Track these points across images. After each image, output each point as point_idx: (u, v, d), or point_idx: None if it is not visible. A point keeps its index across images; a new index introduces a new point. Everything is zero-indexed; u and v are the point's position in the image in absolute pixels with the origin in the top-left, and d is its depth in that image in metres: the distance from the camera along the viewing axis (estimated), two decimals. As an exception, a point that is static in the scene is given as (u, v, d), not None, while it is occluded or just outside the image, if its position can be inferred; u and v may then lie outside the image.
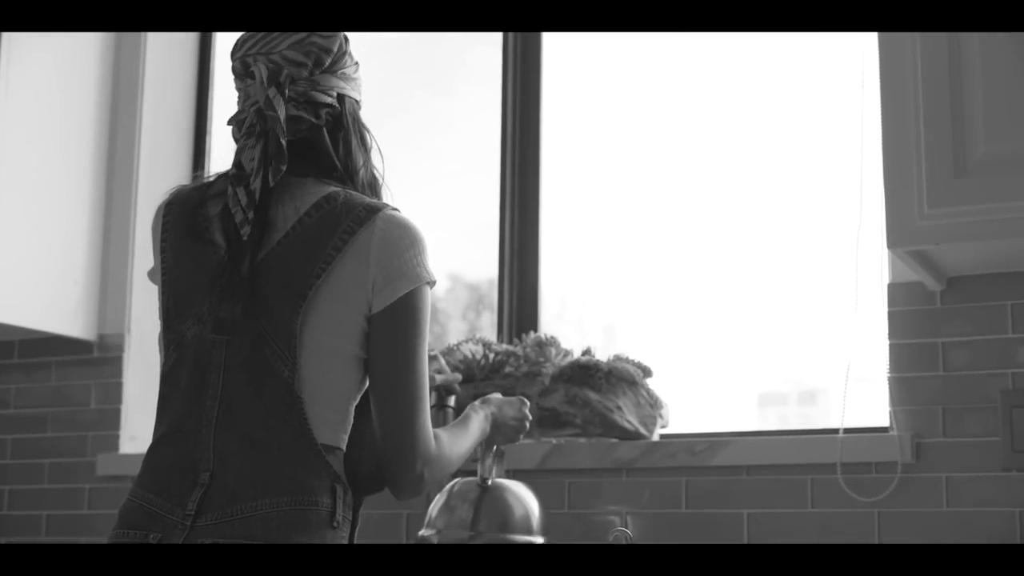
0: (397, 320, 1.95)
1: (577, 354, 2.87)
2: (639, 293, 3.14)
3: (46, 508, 3.39)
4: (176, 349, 1.99)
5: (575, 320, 3.29)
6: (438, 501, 2.51)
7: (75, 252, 3.37)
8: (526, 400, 2.39)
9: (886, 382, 2.60)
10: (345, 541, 1.93)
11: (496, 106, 3.24)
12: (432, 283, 2.01)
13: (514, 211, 3.20)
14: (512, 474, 2.84)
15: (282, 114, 1.99)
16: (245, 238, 1.94)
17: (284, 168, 1.98)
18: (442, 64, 3.43)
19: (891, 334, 2.62)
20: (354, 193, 2.01)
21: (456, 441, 2.11)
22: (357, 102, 2.09)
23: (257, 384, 1.91)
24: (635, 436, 2.77)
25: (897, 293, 2.62)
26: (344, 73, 2.07)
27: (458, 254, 3.35)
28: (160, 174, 3.47)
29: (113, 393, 3.38)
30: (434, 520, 2.48)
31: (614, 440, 2.78)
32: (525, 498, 2.49)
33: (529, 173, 3.21)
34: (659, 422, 2.83)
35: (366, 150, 2.10)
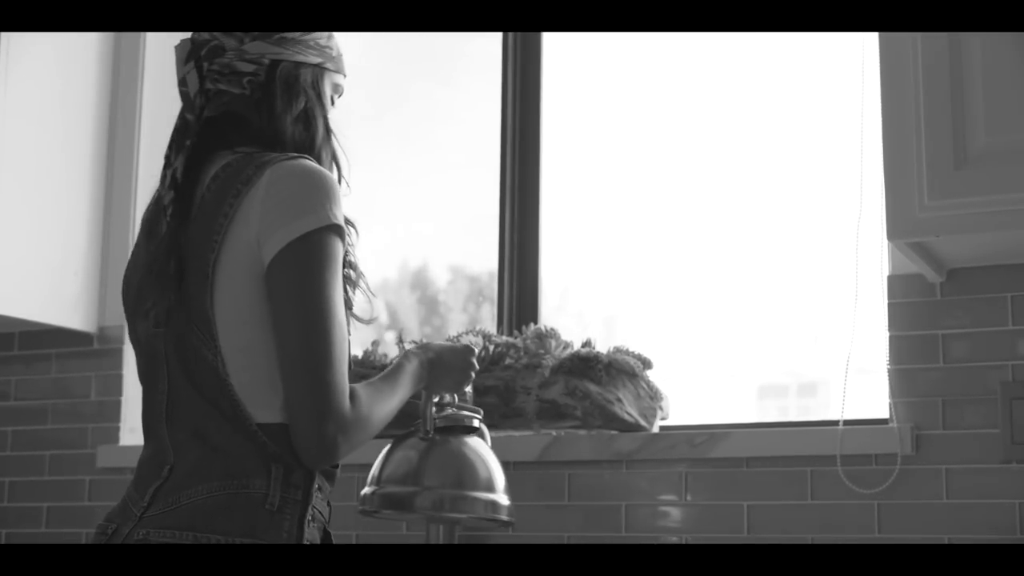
0: (286, 267, 1.86)
1: (577, 346, 2.87)
2: (639, 285, 3.14)
3: (47, 500, 3.39)
4: (136, 347, 2.01)
5: (575, 312, 3.29)
6: (381, 457, 2.30)
7: (75, 244, 3.36)
8: (472, 348, 2.24)
9: (886, 374, 2.60)
10: (288, 523, 1.87)
11: (496, 97, 3.24)
12: (332, 226, 1.89)
13: (514, 203, 3.19)
14: (512, 466, 2.84)
15: (193, 89, 1.99)
16: (167, 223, 1.94)
17: (189, 143, 1.97)
18: (442, 55, 3.43)
19: (891, 326, 2.61)
20: (260, 154, 1.95)
21: (379, 397, 1.96)
22: (301, 64, 2.03)
23: (191, 372, 1.90)
24: (635, 428, 2.77)
25: (897, 285, 2.62)
26: (283, 38, 2.02)
27: (458, 246, 3.35)
28: (160, 166, 3.46)
29: (113, 385, 3.37)
30: (376, 477, 2.27)
31: (614, 432, 2.78)
32: (469, 450, 2.28)
33: (529, 165, 3.21)
34: (659, 414, 2.83)
35: (304, 111, 2.03)
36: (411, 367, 2.09)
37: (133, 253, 2.06)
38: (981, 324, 2.55)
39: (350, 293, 2.04)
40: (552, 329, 2.89)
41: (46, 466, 3.41)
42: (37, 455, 3.43)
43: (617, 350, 2.83)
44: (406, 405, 2.09)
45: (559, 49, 3.27)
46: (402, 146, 3.40)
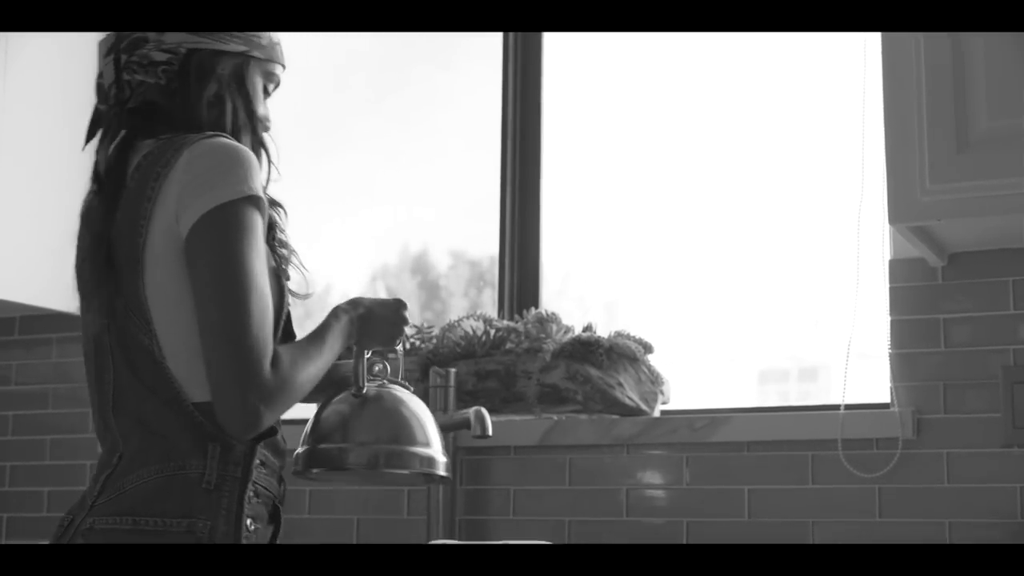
0: (201, 238, 1.86)
1: (578, 330, 2.87)
2: (641, 270, 3.13)
3: (47, 484, 3.39)
4: (85, 342, 2.03)
5: (576, 297, 3.28)
6: (313, 415, 2.18)
7: (75, 229, 3.35)
8: (404, 302, 2.15)
9: (887, 358, 2.60)
10: (227, 501, 1.88)
11: (497, 81, 3.23)
12: (247, 198, 1.88)
13: (515, 187, 3.19)
14: (513, 450, 2.84)
15: (108, 80, 2.01)
16: (94, 216, 1.98)
17: (100, 132, 2.01)
18: (443, 39, 3.41)
19: (892, 310, 2.61)
20: (181, 137, 1.95)
21: (303, 358, 1.92)
22: (220, 53, 2.03)
23: (131, 360, 1.91)
24: (636, 412, 2.77)
25: (898, 269, 2.62)
26: None
27: (459, 231, 3.35)
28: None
29: (114, 369, 3.37)
30: (308, 435, 2.15)
31: (615, 416, 2.77)
32: (404, 407, 2.15)
33: (530, 149, 3.20)
34: (660, 398, 2.82)
35: (216, 97, 2.02)
36: (339, 325, 2.03)
37: (77, 247, 2.07)
38: (982, 308, 2.55)
39: (284, 270, 2.03)
40: (553, 313, 2.89)
41: (47, 450, 3.42)
42: (38, 439, 3.43)
43: (618, 334, 2.83)
44: (335, 374, 2.09)
45: (560, 34, 3.25)
46: (402, 130, 3.39)
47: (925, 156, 2.26)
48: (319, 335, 1.99)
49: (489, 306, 3.20)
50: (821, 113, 2.91)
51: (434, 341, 2.91)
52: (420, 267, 3.41)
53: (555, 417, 2.81)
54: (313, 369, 1.94)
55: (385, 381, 2.18)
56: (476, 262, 3.36)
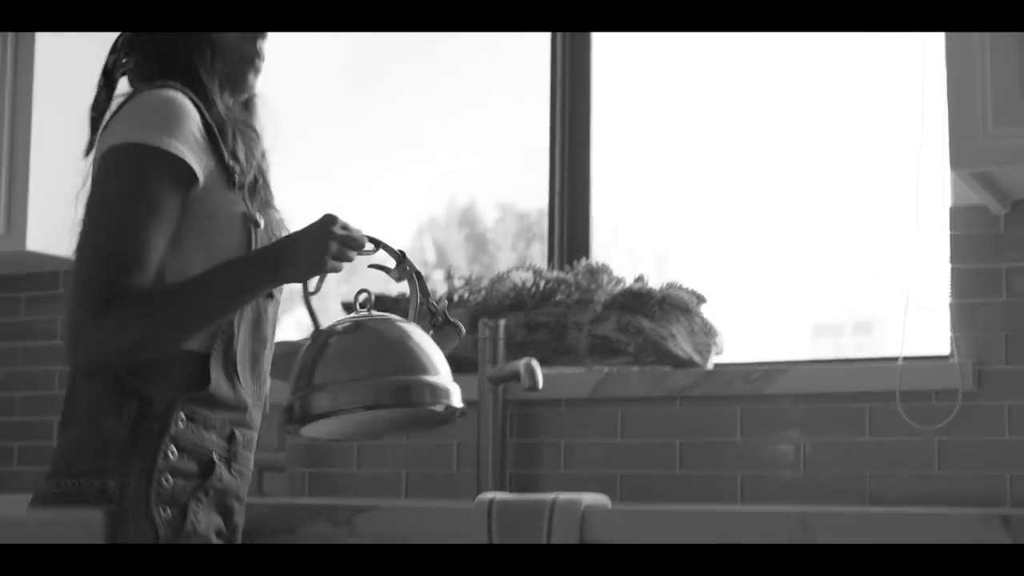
0: (92, 180, 1.96)
1: (629, 282, 2.83)
2: (692, 221, 3.09)
3: (95, 439, 3.39)
4: None
5: (626, 249, 3.25)
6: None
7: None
8: (332, 215, 1.90)
9: (947, 308, 2.55)
10: (140, 458, 1.84)
11: (546, 29, 3.18)
12: (142, 146, 1.87)
13: (564, 138, 3.15)
14: (563, 403, 2.81)
15: (98, 86, 2.07)
16: None
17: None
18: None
19: (953, 258, 2.56)
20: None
21: (160, 301, 1.87)
22: None
23: None
24: (689, 364, 2.73)
25: (959, 216, 2.56)
26: None
27: (508, 182, 3.31)
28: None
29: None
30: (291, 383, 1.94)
31: (667, 368, 2.74)
32: (370, 336, 1.92)
33: (580, 99, 3.15)
34: (714, 350, 2.78)
35: (146, 50, 2.03)
36: (240, 260, 1.92)
37: None
38: (1046, 256, 2.50)
39: (252, 217, 1.97)
40: (604, 264, 2.85)
41: (94, 406, 3.41)
42: (85, 395, 3.43)
43: (671, 285, 2.79)
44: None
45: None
46: (450, 79, 3.36)
47: (988, 99, 2.22)
48: (200, 275, 1.90)
49: (538, 259, 3.16)
50: (880, 56, 2.85)
51: (483, 293, 2.88)
52: (468, 220, 3.38)
53: (606, 369, 2.78)
54: (174, 312, 1.88)
55: (370, 313, 1.97)
56: (524, 215, 3.33)
